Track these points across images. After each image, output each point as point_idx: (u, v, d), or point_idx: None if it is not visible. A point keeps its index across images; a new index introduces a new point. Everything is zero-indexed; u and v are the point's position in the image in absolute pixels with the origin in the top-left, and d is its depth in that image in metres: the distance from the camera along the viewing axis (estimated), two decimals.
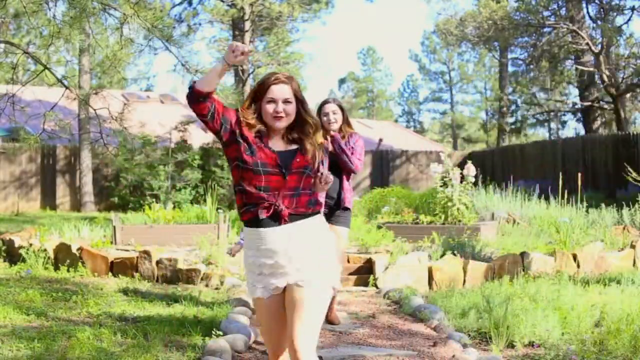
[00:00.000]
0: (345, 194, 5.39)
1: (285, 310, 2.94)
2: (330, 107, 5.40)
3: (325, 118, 5.37)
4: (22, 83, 10.36)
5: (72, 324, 5.27)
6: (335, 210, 5.37)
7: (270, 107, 2.94)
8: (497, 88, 37.26)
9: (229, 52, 2.88)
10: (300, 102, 3.00)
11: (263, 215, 2.87)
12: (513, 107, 34.33)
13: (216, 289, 7.22)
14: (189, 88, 2.92)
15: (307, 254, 2.90)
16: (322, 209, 2.99)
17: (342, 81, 57.89)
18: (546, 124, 40.39)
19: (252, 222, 2.93)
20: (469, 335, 5.11)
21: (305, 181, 2.95)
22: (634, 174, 9.74)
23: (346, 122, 5.45)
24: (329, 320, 5.41)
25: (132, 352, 4.42)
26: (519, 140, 35.50)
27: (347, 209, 5.42)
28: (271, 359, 3.10)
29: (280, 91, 2.95)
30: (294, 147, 2.98)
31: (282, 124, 2.95)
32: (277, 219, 2.89)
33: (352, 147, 5.37)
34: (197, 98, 2.87)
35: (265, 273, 2.95)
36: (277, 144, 2.98)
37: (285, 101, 2.94)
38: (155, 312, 5.84)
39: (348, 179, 5.46)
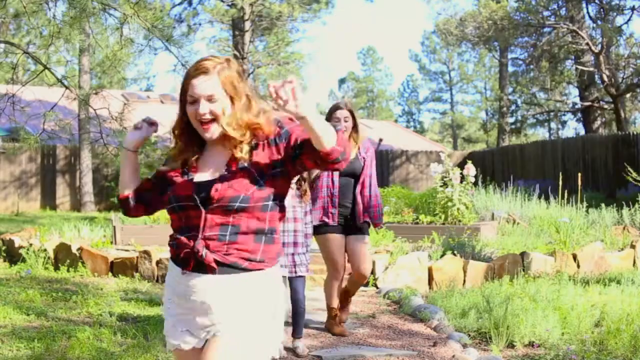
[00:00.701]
0: (358, 205, 5.09)
1: None
2: (342, 114, 4.96)
3: (337, 125, 4.89)
4: (22, 83, 10.36)
5: (72, 324, 5.27)
6: (351, 221, 5.07)
7: (191, 110, 2.15)
8: (497, 88, 37.26)
9: (137, 134, 2.37)
10: (232, 97, 2.14)
11: (184, 269, 2.16)
12: (513, 107, 34.33)
13: None
14: (121, 205, 2.40)
15: (237, 311, 2.14)
16: (277, 264, 2.20)
17: (342, 81, 57.92)
18: (546, 124, 40.40)
19: (175, 260, 2.22)
20: (469, 335, 5.11)
21: (243, 218, 2.12)
22: (634, 174, 9.75)
23: (355, 128, 5.03)
24: (336, 333, 5.21)
25: (132, 352, 4.42)
26: (519, 140, 35.48)
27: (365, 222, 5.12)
28: None
29: (201, 85, 2.12)
30: (218, 174, 2.16)
31: (212, 132, 2.14)
32: (201, 266, 2.13)
33: (364, 159, 5.08)
34: (132, 207, 2.38)
35: (188, 309, 2.20)
36: (215, 169, 2.19)
37: (209, 99, 2.12)
38: (155, 312, 5.84)
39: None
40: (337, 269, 5.06)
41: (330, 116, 5.00)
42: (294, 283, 4.75)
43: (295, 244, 4.70)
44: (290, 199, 4.73)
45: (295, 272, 4.69)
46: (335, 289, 5.12)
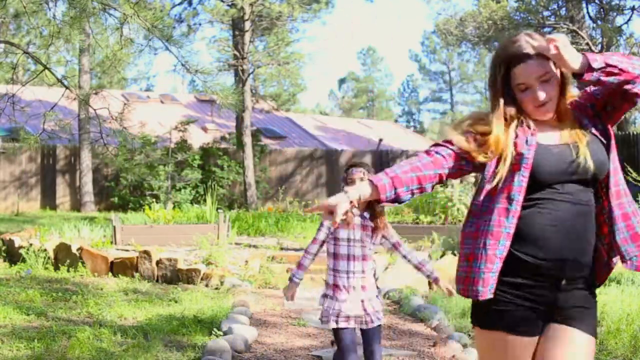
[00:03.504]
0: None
1: None
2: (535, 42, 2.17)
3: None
4: (22, 83, 10.37)
5: (72, 324, 5.27)
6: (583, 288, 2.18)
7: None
8: None
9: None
10: None
11: None
12: None
13: (216, 288, 7.22)
14: None
15: None
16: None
17: (342, 81, 57.90)
18: None
19: None
20: (469, 335, 5.11)
21: None
22: (634, 174, 9.74)
23: (561, 83, 2.18)
24: None
25: (132, 352, 4.42)
26: None
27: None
28: None
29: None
30: None
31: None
32: None
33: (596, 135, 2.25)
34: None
35: None
36: None
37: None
38: (155, 312, 5.84)
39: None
40: None
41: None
42: (369, 335, 3.66)
43: (363, 287, 3.64)
44: (361, 231, 3.64)
45: (371, 322, 3.63)
46: None
